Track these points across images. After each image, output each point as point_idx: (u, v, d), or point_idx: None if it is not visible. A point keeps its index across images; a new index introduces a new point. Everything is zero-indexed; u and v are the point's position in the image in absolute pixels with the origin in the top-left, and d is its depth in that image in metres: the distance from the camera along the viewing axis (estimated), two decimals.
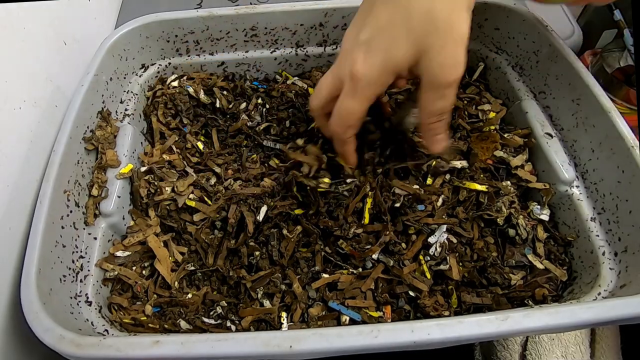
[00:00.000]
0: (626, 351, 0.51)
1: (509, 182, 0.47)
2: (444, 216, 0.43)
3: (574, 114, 0.47)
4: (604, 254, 0.41)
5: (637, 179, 0.40)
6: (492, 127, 0.48)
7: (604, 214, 0.43)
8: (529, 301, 0.40)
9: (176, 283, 0.42)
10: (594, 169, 0.44)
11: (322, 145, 0.45)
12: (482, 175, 0.46)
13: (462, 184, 0.45)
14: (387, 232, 0.42)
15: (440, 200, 0.44)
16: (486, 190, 0.44)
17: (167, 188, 0.46)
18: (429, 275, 0.41)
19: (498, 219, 0.43)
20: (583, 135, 0.46)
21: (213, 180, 0.48)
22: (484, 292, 0.41)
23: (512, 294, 0.41)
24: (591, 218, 0.43)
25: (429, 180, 0.46)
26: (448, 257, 0.41)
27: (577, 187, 0.45)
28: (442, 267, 0.41)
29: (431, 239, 0.42)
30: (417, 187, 0.44)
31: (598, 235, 0.42)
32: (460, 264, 0.42)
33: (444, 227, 0.42)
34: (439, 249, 0.41)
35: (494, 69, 0.56)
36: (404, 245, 0.42)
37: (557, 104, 0.49)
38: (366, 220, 0.43)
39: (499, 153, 0.47)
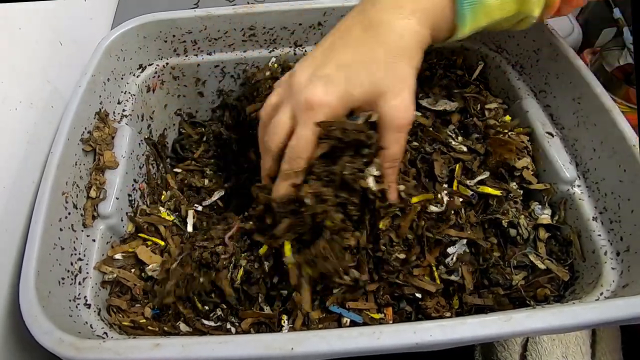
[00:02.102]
0: (627, 351, 0.51)
1: (514, 184, 0.46)
2: (467, 230, 0.43)
3: (574, 112, 0.46)
4: (605, 253, 0.41)
5: (639, 177, 0.39)
6: (506, 131, 0.48)
7: (606, 213, 0.42)
8: (531, 301, 0.40)
9: None
10: (595, 168, 0.44)
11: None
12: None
13: (477, 187, 0.45)
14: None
15: (464, 213, 0.44)
16: (499, 194, 0.44)
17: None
18: (438, 281, 0.41)
19: (503, 221, 0.43)
20: (584, 134, 0.45)
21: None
22: (485, 293, 0.41)
23: (513, 295, 0.41)
24: (593, 217, 0.43)
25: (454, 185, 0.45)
26: (460, 268, 0.41)
27: (579, 186, 0.45)
28: (453, 277, 0.41)
29: (450, 250, 0.42)
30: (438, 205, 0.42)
31: (600, 235, 0.42)
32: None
33: (465, 240, 0.42)
34: (454, 260, 0.41)
35: (494, 67, 0.56)
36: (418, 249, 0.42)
37: (557, 102, 0.49)
38: None
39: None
